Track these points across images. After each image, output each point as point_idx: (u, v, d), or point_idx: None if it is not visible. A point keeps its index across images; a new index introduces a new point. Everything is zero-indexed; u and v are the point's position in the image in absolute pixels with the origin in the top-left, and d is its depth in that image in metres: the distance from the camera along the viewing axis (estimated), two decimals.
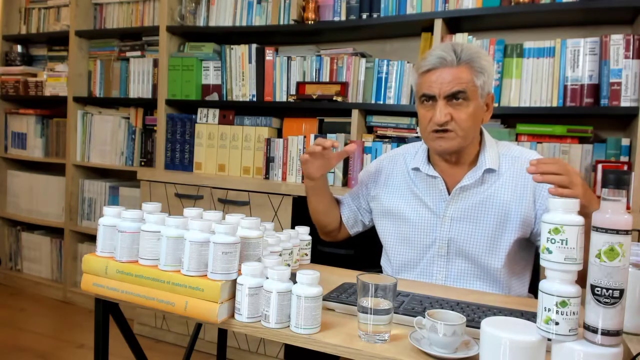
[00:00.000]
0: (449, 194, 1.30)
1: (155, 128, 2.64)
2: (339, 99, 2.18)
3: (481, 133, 1.33)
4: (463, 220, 1.28)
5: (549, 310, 0.71)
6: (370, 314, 0.84)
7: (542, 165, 1.04)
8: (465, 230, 1.27)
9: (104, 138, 2.87)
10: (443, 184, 1.31)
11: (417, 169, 1.35)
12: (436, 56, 1.23)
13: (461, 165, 1.31)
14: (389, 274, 1.40)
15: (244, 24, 2.44)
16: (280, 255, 1.09)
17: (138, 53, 2.77)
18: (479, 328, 0.78)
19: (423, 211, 1.33)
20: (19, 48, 3.19)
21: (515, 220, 1.25)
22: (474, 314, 0.96)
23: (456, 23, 2.07)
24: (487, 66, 1.24)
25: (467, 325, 0.84)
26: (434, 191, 1.32)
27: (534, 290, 1.31)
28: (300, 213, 2.12)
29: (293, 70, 2.34)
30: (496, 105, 1.88)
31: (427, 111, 1.25)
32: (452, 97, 1.21)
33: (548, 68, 1.89)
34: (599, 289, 0.71)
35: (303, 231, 1.33)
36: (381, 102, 2.16)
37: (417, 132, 2.09)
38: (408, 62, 2.13)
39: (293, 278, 0.90)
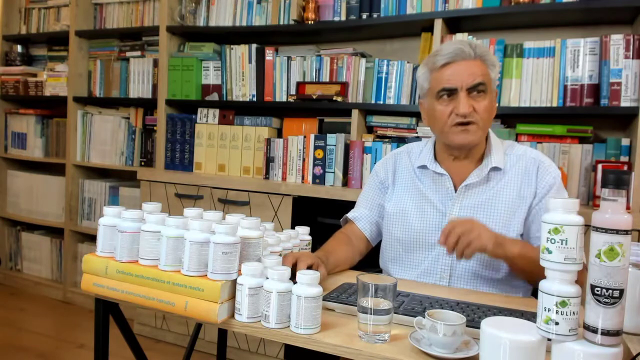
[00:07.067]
0: (456, 191, 1.30)
1: (155, 128, 2.64)
2: (339, 99, 2.17)
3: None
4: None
5: (549, 310, 0.71)
6: (370, 314, 0.84)
7: (448, 240, 1.12)
8: None
9: (104, 138, 2.87)
10: (450, 181, 1.31)
11: (424, 167, 1.36)
12: (453, 50, 1.23)
13: (468, 161, 1.31)
14: (390, 273, 1.39)
15: (244, 24, 2.44)
16: (280, 255, 1.09)
17: (138, 53, 2.77)
18: (479, 328, 0.78)
19: (429, 210, 1.33)
20: (19, 48, 3.19)
21: (520, 218, 1.26)
22: (474, 314, 0.96)
23: (456, 23, 2.07)
24: (496, 62, 1.28)
25: (467, 325, 0.84)
26: (440, 188, 1.33)
27: (535, 293, 1.31)
28: (300, 213, 2.12)
29: (293, 70, 2.34)
30: (496, 105, 1.89)
31: (446, 106, 1.25)
32: (474, 89, 1.22)
33: (548, 68, 1.89)
34: (599, 289, 0.71)
35: (303, 231, 1.32)
36: (381, 102, 2.16)
37: (416, 132, 2.09)
38: (408, 62, 2.13)
39: (293, 278, 0.90)
